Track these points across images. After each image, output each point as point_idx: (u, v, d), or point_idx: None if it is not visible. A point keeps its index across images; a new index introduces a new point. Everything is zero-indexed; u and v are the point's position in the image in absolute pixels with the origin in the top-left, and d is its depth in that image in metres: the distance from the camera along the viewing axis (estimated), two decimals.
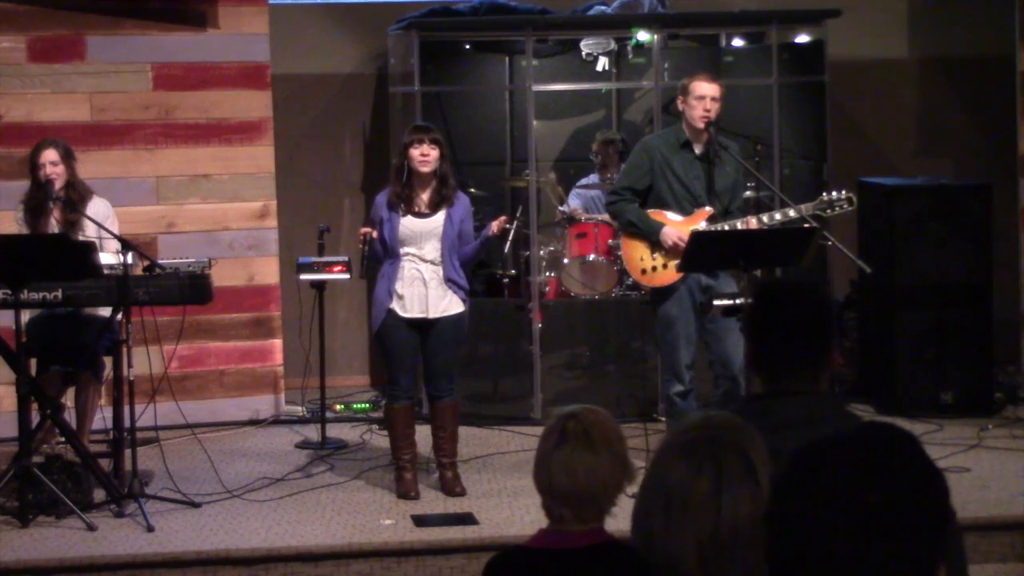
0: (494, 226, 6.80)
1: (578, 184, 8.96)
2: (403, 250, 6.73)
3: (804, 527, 1.65)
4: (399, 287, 6.72)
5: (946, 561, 1.68)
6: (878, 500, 1.63)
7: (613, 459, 3.00)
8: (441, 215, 6.74)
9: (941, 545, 1.66)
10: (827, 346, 3.07)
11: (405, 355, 6.78)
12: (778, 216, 6.91)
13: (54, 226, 6.97)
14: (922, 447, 1.71)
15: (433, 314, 6.72)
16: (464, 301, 6.82)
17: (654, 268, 6.93)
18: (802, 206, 6.92)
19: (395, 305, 6.72)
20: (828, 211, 6.93)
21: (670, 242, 6.79)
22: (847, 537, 1.62)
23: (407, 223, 6.72)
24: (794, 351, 3.04)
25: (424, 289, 6.71)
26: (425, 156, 6.67)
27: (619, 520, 3.11)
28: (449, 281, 6.75)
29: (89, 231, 6.88)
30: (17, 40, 8.08)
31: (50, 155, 6.96)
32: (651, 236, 6.89)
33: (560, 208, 8.80)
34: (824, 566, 1.64)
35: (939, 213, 8.28)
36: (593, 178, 8.89)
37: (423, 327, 6.75)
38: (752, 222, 6.84)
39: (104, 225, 6.85)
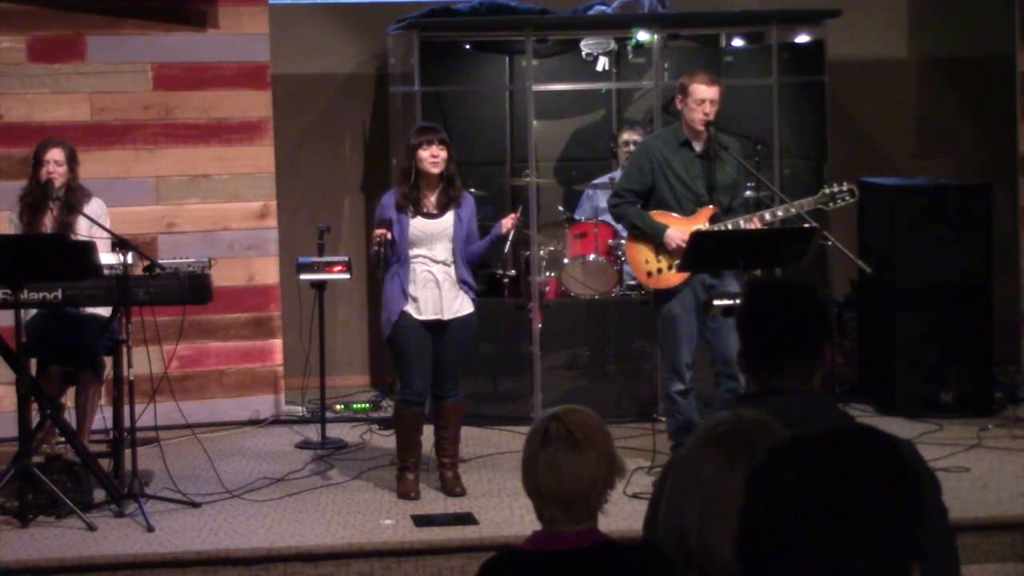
0: (506, 223, 6.78)
1: (591, 183, 8.91)
2: (413, 252, 6.70)
3: (776, 520, 1.66)
4: (412, 289, 6.69)
5: (931, 563, 1.69)
6: (850, 495, 1.64)
7: (599, 457, 3.01)
8: (450, 215, 6.72)
9: (913, 545, 1.66)
10: (820, 345, 3.03)
11: (419, 357, 6.74)
12: (780, 212, 6.92)
13: (49, 226, 6.97)
14: (900, 450, 1.71)
15: (448, 315, 6.71)
16: (474, 301, 6.82)
17: (659, 270, 6.93)
18: (804, 200, 6.93)
19: (409, 307, 6.69)
20: (831, 204, 6.94)
21: (674, 244, 6.79)
22: (818, 531, 1.63)
23: (417, 224, 6.70)
24: (786, 350, 3.01)
25: (438, 291, 6.70)
26: (435, 157, 6.65)
27: (614, 519, 3.13)
28: (462, 282, 6.75)
29: (82, 233, 6.89)
30: (17, 40, 8.08)
31: (56, 154, 6.97)
32: (655, 238, 6.89)
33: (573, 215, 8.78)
34: (795, 561, 1.64)
35: (939, 213, 8.28)
36: (606, 178, 8.85)
37: (435, 328, 6.74)
38: (755, 220, 6.84)
39: (99, 222, 6.86)
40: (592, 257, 8.28)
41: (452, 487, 6.84)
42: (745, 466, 2.20)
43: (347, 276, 8.02)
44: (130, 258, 6.53)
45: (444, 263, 6.72)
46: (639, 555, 2.97)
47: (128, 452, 6.68)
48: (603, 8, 8.88)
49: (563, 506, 3.00)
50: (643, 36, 8.62)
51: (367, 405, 8.71)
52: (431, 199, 6.72)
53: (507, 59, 9.44)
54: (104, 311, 6.82)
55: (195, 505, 6.70)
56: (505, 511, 6.57)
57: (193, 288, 6.67)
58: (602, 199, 8.64)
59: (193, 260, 6.79)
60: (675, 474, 2.28)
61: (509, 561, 3.10)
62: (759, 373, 3.05)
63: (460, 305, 6.75)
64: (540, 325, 8.23)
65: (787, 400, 2.95)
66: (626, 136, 8.80)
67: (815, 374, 3.03)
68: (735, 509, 2.19)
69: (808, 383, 3.02)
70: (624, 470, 3.10)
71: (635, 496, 6.45)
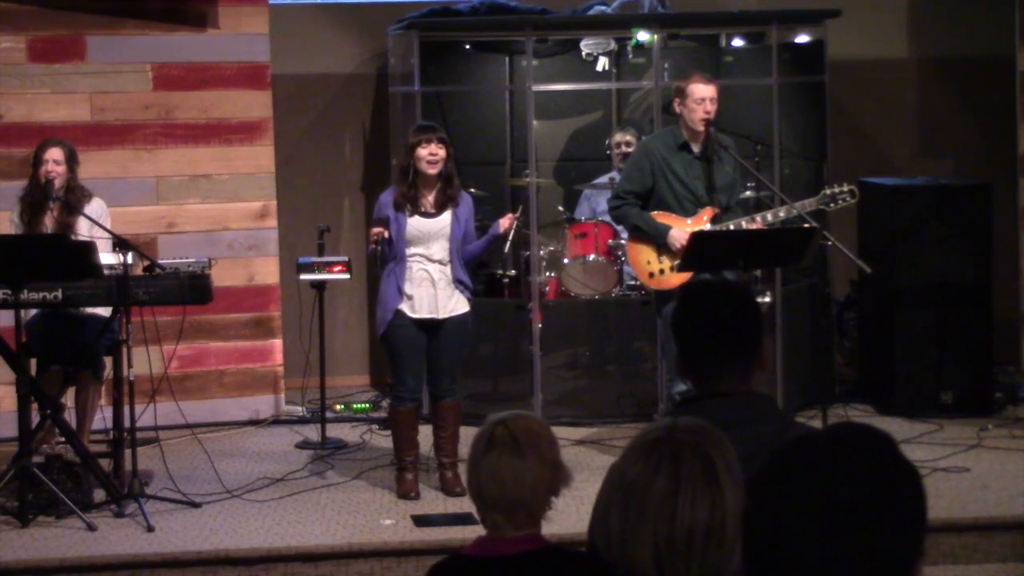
0: (503, 222, 6.78)
1: (591, 183, 8.90)
2: (410, 251, 6.71)
3: (779, 524, 1.65)
4: (407, 287, 6.70)
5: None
6: (852, 497, 1.63)
7: (541, 464, 3.01)
8: (447, 215, 6.72)
9: (917, 546, 1.65)
10: (755, 345, 3.03)
11: (412, 356, 6.75)
12: (782, 213, 6.92)
13: (50, 226, 6.97)
14: (898, 448, 1.71)
15: (442, 314, 6.71)
16: (470, 301, 6.82)
17: (661, 271, 6.94)
18: (805, 201, 6.94)
19: (404, 306, 6.70)
20: (831, 205, 6.96)
21: (678, 245, 6.79)
22: (821, 534, 1.62)
23: (414, 223, 6.70)
24: (723, 351, 3.00)
25: (433, 289, 6.70)
26: (433, 156, 6.65)
27: (554, 524, 3.13)
28: (458, 282, 6.75)
29: (82, 234, 6.89)
30: (17, 40, 8.08)
31: (55, 153, 6.97)
32: (658, 239, 6.89)
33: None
34: (799, 564, 1.64)
35: (939, 213, 8.28)
36: (605, 178, 8.85)
37: (430, 327, 6.74)
38: (757, 221, 6.85)
39: (99, 222, 6.86)
40: (592, 257, 8.27)
41: (452, 487, 6.84)
42: (670, 472, 2.21)
43: (347, 276, 8.02)
44: (130, 258, 6.53)
45: (440, 262, 6.72)
46: (581, 561, 2.98)
47: (128, 452, 6.69)
48: (603, 8, 8.88)
49: (504, 512, 3.00)
50: (643, 36, 8.62)
51: (367, 405, 8.71)
52: (429, 198, 6.72)
53: (507, 59, 9.44)
54: (104, 311, 6.82)
55: (195, 505, 6.70)
56: None
57: (193, 288, 6.67)
58: (601, 201, 8.64)
59: (193, 260, 6.78)
60: (607, 477, 2.29)
61: (454, 566, 3.11)
62: (698, 377, 3.05)
63: (455, 305, 6.75)
64: (540, 325, 8.22)
65: (725, 402, 2.95)
66: (618, 137, 8.81)
67: (752, 375, 3.03)
68: (656, 515, 2.19)
69: (747, 384, 3.01)
70: (570, 478, 3.10)
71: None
